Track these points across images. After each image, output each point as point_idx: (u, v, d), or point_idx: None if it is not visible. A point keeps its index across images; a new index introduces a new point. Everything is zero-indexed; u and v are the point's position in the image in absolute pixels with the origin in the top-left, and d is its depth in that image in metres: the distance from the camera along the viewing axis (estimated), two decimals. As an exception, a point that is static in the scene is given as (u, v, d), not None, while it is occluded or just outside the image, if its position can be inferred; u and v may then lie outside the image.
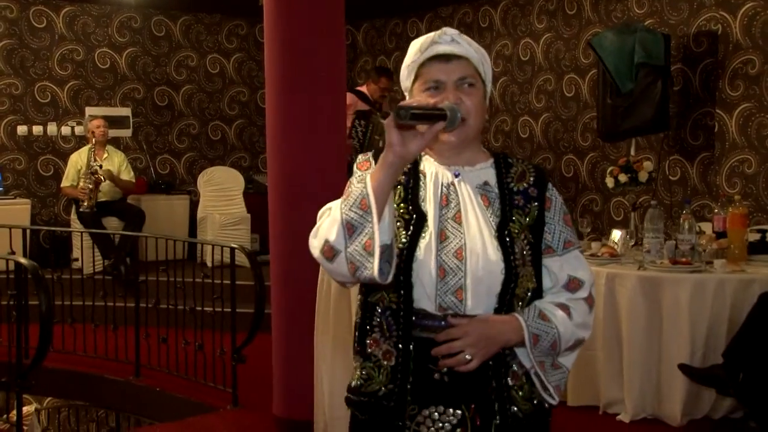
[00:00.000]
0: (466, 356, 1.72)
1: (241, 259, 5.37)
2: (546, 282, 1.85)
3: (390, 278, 1.69)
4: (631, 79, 6.00)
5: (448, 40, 1.83)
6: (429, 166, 1.87)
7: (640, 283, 4.26)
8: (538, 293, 1.83)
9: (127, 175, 7.75)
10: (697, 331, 4.16)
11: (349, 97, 7.08)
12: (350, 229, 1.68)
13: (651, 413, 4.31)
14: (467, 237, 1.77)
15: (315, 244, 1.74)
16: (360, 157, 1.90)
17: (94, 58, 8.61)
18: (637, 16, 6.77)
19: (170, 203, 8.54)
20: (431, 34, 1.85)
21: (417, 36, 1.90)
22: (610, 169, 6.07)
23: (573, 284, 1.85)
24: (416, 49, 1.85)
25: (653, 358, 4.28)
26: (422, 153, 1.84)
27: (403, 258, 1.75)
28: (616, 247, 4.77)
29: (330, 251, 1.70)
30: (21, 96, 8.28)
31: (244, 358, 4.89)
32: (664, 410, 4.27)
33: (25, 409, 5.16)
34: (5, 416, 5.26)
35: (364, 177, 1.71)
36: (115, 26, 8.70)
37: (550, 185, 1.88)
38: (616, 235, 4.94)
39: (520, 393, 1.82)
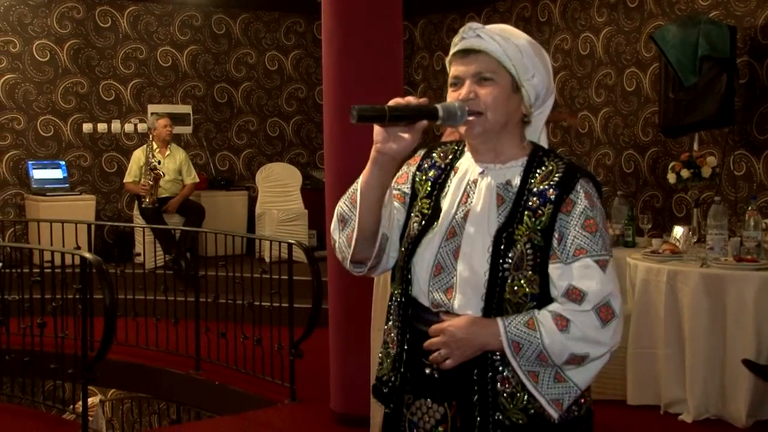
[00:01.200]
0: (440, 354, 1.74)
1: (299, 254, 5.41)
2: (552, 290, 1.73)
3: (365, 272, 1.83)
4: (694, 72, 5.86)
5: (471, 35, 1.78)
6: (464, 161, 1.86)
7: (703, 280, 4.17)
8: (543, 300, 1.73)
9: (189, 175, 7.86)
10: (763, 330, 4.06)
11: None
12: (342, 221, 1.79)
13: (714, 414, 4.23)
14: (465, 236, 1.77)
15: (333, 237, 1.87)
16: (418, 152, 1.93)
17: (157, 57, 8.77)
18: (701, 8, 6.61)
19: (229, 199, 8.65)
20: (461, 30, 1.83)
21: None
22: (672, 164, 5.93)
23: (573, 294, 1.70)
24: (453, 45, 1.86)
25: (717, 357, 4.18)
26: (465, 148, 1.86)
27: (408, 251, 1.81)
28: (677, 243, 4.68)
29: (332, 240, 1.85)
30: (87, 94, 8.48)
31: (301, 353, 4.93)
32: (728, 411, 4.18)
33: (90, 400, 5.28)
34: (71, 407, 5.39)
35: (409, 174, 1.84)
36: (176, 25, 8.84)
37: (578, 187, 1.74)
38: (678, 231, 4.84)
39: (512, 401, 1.73)
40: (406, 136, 1.68)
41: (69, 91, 8.40)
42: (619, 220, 5.36)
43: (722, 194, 6.13)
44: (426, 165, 1.88)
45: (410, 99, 1.70)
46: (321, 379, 4.82)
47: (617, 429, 4.32)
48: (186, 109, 8.88)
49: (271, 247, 6.86)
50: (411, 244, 1.80)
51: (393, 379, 1.84)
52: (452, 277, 1.75)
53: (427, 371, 1.79)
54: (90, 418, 4.73)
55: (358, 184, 1.74)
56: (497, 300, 1.72)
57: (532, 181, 1.78)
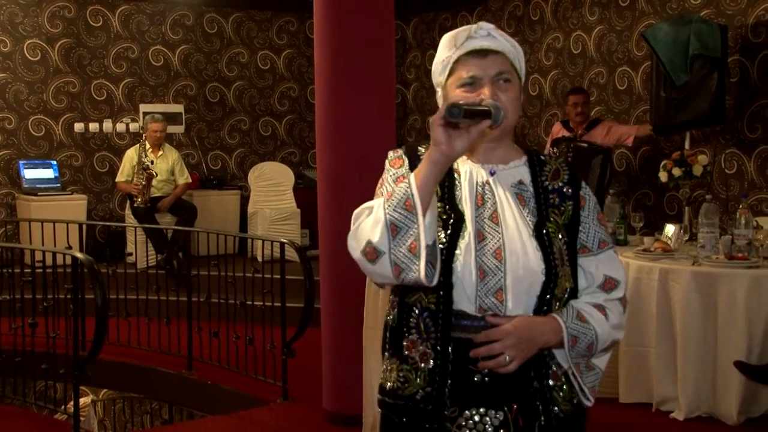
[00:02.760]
0: (506, 358, 1.70)
1: (291, 254, 5.41)
2: (581, 282, 1.82)
3: (435, 281, 1.66)
4: (685, 71, 5.87)
5: (484, 34, 1.79)
6: (462, 164, 1.82)
7: (695, 278, 4.19)
8: (574, 293, 1.80)
9: (182, 175, 7.85)
10: (754, 327, 4.07)
11: (555, 128, 6.99)
12: (394, 230, 1.64)
13: (706, 411, 4.24)
14: (506, 237, 1.74)
15: (354, 245, 1.70)
16: (391, 154, 1.87)
17: (148, 56, 8.75)
18: (692, 7, 6.62)
19: (221, 198, 8.64)
20: (466, 28, 1.81)
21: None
22: (663, 162, 5.94)
23: (609, 284, 1.82)
24: (450, 43, 1.82)
25: (708, 355, 4.19)
26: None
27: (443, 258, 1.70)
28: (669, 242, 4.69)
29: (373, 252, 1.65)
30: (78, 94, 8.45)
31: (294, 352, 4.92)
32: (719, 408, 4.19)
33: (82, 400, 5.27)
34: (63, 407, 5.38)
35: (407, 176, 1.68)
36: (168, 24, 8.82)
37: (583, 183, 1.85)
38: (670, 229, 4.85)
39: (561, 393, 1.79)
40: (468, 135, 1.64)
41: (60, 91, 8.37)
42: (611, 219, 5.36)
43: (713, 192, 6.15)
44: None
45: (470, 98, 1.70)
46: (313, 378, 4.82)
47: (609, 427, 4.32)
48: (178, 108, 8.86)
49: (263, 247, 6.86)
50: (445, 251, 1.72)
51: (435, 393, 1.74)
52: (499, 279, 1.71)
53: (476, 378, 1.73)
54: (82, 419, 4.73)
55: (410, 188, 1.63)
56: (549, 296, 1.75)
57: (543, 179, 1.83)
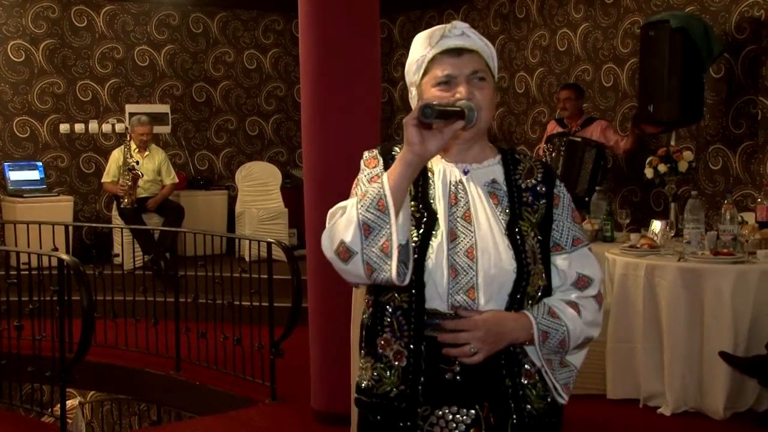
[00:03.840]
0: (471, 349, 1.70)
1: (279, 253, 5.40)
2: (555, 280, 1.83)
3: (407, 280, 1.68)
4: (707, 65, 5.93)
5: (458, 33, 1.79)
6: (436, 163, 1.83)
7: (681, 274, 4.20)
8: (547, 291, 1.81)
9: (169, 176, 7.83)
10: (739, 322, 4.10)
11: (549, 125, 6.99)
12: (367, 230, 1.65)
13: (693, 406, 4.26)
14: (478, 235, 1.75)
15: (328, 245, 1.71)
16: (366, 154, 1.87)
17: (134, 56, 8.72)
18: (677, 4, 6.65)
19: (209, 199, 8.62)
20: (440, 27, 1.81)
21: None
22: (649, 159, 5.97)
23: (582, 282, 1.82)
24: (425, 42, 1.82)
25: (695, 351, 4.22)
26: None
27: (415, 256, 1.71)
28: (655, 238, 4.71)
29: (345, 252, 1.67)
30: (63, 95, 8.41)
31: (282, 352, 4.92)
32: (706, 403, 4.21)
33: (69, 402, 5.24)
34: (50, 410, 5.35)
35: (381, 176, 1.69)
36: (153, 24, 8.79)
37: (557, 182, 1.85)
38: (656, 226, 4.88)
39: (534, 391, 1.79)
40: (442, 136, 1.64)
41: (45, 92, 8.33)
42: (597, 215, 5.39)
43: (699, 188, 6.18)
44: None
45: (443, 98, 1.70)
46: (302, 378, 4.82)
47: (597, 423, 4.34)
48: (164, 108, 8.83)
49: (250, 247, 6.84)
50: (417, 249, 1.72)
51: (408, 391, 1.75)
52: (471, 277, 1.72)
53: (448, 376, 1.74)
54: (69, 421, 4.70)
55: (383, 189, 1.64)
56: (521, 294, 1.75)
57: (516, 178, 1.84)
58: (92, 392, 6.22)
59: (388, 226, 1.64)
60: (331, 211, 1.75)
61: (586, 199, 5.91)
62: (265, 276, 5.08)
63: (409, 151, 1.64)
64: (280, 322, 4.91)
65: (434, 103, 1.61)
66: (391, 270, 1.63)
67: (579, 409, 4.39)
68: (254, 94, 9.33)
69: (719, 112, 6.40)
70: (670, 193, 6.17)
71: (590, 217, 5.42)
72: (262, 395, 4.98)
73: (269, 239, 5.31)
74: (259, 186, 8.59)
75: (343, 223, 1.68)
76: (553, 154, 6.61)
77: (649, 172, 5.94)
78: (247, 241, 7.06)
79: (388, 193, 1.64)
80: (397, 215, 1.64)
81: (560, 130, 6.73)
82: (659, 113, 5.92)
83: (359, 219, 1.65)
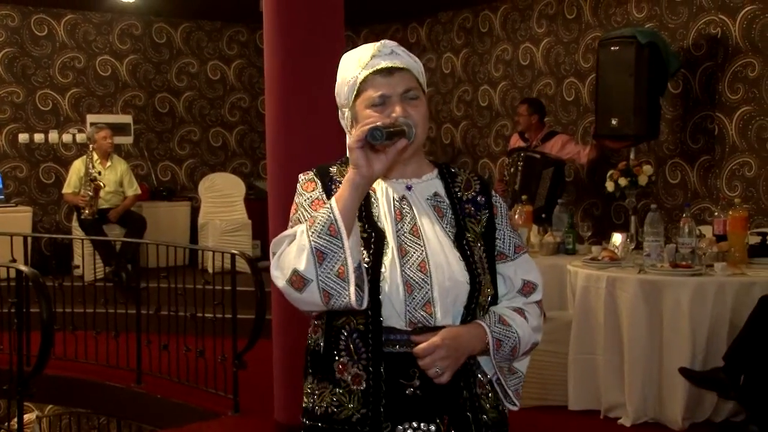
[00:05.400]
0: (437, 371, 1.70)
1: (242, 265, 5.37)
2: (501, 288, 1.86)
3: (365, 303, 1.67)
4: (670, 77, 6.05)
5: (387, 52, 1.80)
6: (377, 182, 1.81)
7: (641, 286, 4.26)
8: (495, 299, 1.84)
9: (131, 187, 7.75)
10: (698, 334, 4.16)
11: (512, 139, 7.01)
12: (321, 256, 1.63)
13: (652, 417, 4.31)
14: (428, 249, 1.76)
15: (278, 275, 1.69)
16: (302, 177, 1.86)
17: (95, 66, 8.63)
18: (636, 20, 6.77)
19: (171, 210, 8.56)
20: (369, 47, 1.82)
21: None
22: (610, 173, 6.06)
23: (527, 288, 1.86)
24: (354, 63, 1.81)
25: (654, 362, 4.27)
26: None
27: (369, 277, 1.70)
28: (616, 251, 4.77)
29: (300, 281, 1.65)
30: (22, 104, 8.30)
31: (245, 364, 4.89)
32: (665, 414, 4.27)
33: (26, 416, 5.16)
34: (6, 424, 5.26)
35: (322, 199, 1.70)
36: (116, 34, 8.72)
37: (493, 192, 1.90)
38: (617, 238, 4.94)
39: (488, 401, 1.82)
40: (386, 157, 1.66)
41: (4, 101, 8.21)
42: (559, 228, 5.45)
43: (658, 202, 6.28)
44: (335, 188, 1.78)
45: (385, 119, 1.70)
46: (265, 390, 4.79)
47: (559, 434, 4.38)
48: (126, 119, 8.75)
49: (214, 258, 6.81)
50: (371, 269, 1.71)
51: (371, 414, 1.73)
52: (427, 292, 1.73)
53: (408, 392, 1.74)
54: (27, 435, 4.63)
55: (332, 213, 1.64)
56: (474, 305, 1.77)
57: (456, 190, 1.86)
58: (50, 406, 6.11)
59: (341, 251, 1.63)
60: (275, 240, 1.73)
61: (543, 215, 5.98)
62: (229, 288, 5.05)
63: (356, 174, 1.65)
64: (244, 334, 4.88)
65: (379, 124, 1.62)
66: (350, 295, 1.63)
67: (540, 420, 4.42)
68: (218, 105, 9.29)
69: (677, 127, 6.52)
70: (630, 207, 6.27)
71: (552, 229, 5.48)
72: (224, 408, 4.94)
73: (233, 251, 5.28)
74: (222, 197, 8.55)
75: (293, 251, 1.66)
76: (512, 169, 6.67)
77: (609, 186, 6.03)
78: (211, 253, 7.02)
79: (338, 217, 1.64)
80: (349, 239, 1.64)
81: (521, 144, 6.80)
82: (623, 128, 6.00)
83: (312, 245, 1.64)
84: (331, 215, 1.64)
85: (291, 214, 1.83)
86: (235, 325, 4.95)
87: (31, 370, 4.45)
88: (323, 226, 1.64)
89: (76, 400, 5.91)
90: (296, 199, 1.84)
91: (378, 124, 1.63)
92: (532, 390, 4.38)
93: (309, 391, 1.83)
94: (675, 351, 4.18)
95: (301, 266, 1.64)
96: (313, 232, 1.65)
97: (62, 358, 5.71)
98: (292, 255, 1.66)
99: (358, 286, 1.65)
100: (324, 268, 1.64)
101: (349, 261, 1.63)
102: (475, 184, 1.88)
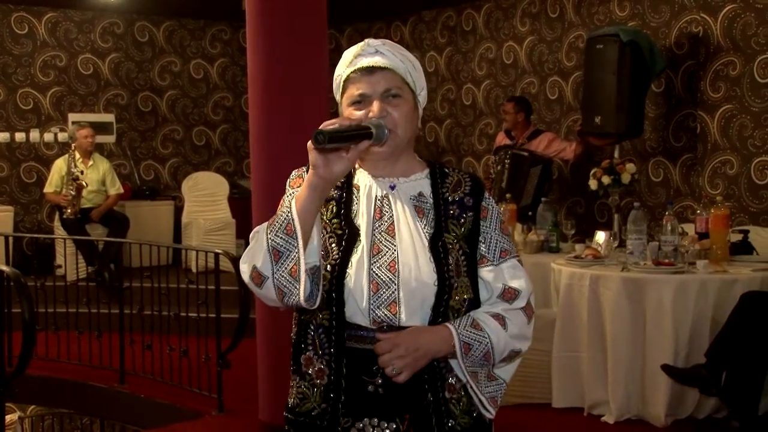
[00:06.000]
0: (394, 370, 1.69)
1: (226, 264, 5.35)
2: (482, 293, 1.82)
3: (317, 303, 1.69)
4: (653, 78, 6.06)
5: (371, 51, 1.80)
6: (363, 179, 1.83)
7: (624, 284, 4.28)
8: (474, 304, 1.80)
9: (113, 186, 7.70)
10: (680, 331, 4.19)
11: (498, 137, 7.00)
12: (276, 254, 1.66)
13: (635, 414, 4.33)
14: (399, 250, 1.75)
15: (244, 269, 1.72)
16: (293, 173, 1.87)
17: (77, 65, 8.58)
18: (619, 19, 6.81)
19: (155, 209, 8.51)
20: (356, 46, 1.83)
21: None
22: (593, 171, 6.09)
23: (509, 294, 1.81)
24: (342, 62, 1.83)
25: (637, 359, 4.30)
26: (356, 166, 1.83)
27: (335, 274, 1.72)
28: (599, 248, 4.79)
29: (258, 277, 1.69)
30: (3, 103, 8.24)
31: (229, 363, 4.87)
32: (648, 411, 4.29)
33: (8, 417, 5.12)
34: (-11, 425, 5.22)
35: (291, 201, 1.69)
36: (97, 32, 8.67)
37: (486, 194, 1.87)
38: (600, 236, 4.96)
39: (458, 406, 1.78)
40: (347, 157, 1.64)
41: (-15, 100, 8.15)
42: (543, 226, 5.47)
43: (641, 200, 6.32)
44: None
45: (345, 120, 1.69)
46: (249, 389, 4.78)
47: (542, 431, 4.39)
48: (109, 117, 8.71)
49: (197, 257, 6.77)
50: (338, 266, 1.73)
51: (330, 409, 1.75)
52: (393, 292, 1.72)
53: (370, 389, 1.74)
54: (9, 436, 4.59)
55: (290, 213, 1.65)
56: (443, 308, 1.74)
57: (444, 191, 1.84)
58: (32, 406, 6.08)
59: (296, 251, 1.65)
60: (251, 233, 1.76)
61: (530, 213, 5.99)
62: (212, 287, 5.04)
63: (314, 174, 1.64)
64: (227, 334, 4.87)
65: (329, 128, 1.60)
66: (299, 293, 1.65)
67: (524, 418, 4.44)
68: (201, 103, 9.25)
69: (660, 126, 6.56)
70: (613, 205, 6.30)
71: (536, 228, 5.50)
72: (208, 407, 4.92)
73: (216, 250, 5.27)
74: (206, 196, 8.52)
75: (255, 247, 1.70)
76: (499, 167, 6.69)
77: (593, 184, 6.06)
78: (194, 252, 6.99)
79: (295, 217, 1.65)
80: (305, 239, 1.65)
81: (508, 142, 6.82)
82: (606, 126, 6.03)
83: (269, 244, 1.67)
84: (289, 215, 1.66)
85: (278, 208, 1.82)
86: (219, 325, 4.94)
87: (13, 371, 4.42)
88: (281, 225, 1.67)
89: (59, 400, 5.87)
90: (284, 196, 1.85)
91: (332, 126, 1.61)
92: (515, 388, 4.39)
93: (291, 382, 1.86)
94: (658, 348, 4.21)
95: (259, 263, 1.68)
96: (271, 231, 1.68)
97: (44, 358, 5.67)
98: (253, 251, 1.70)
99: (316, 285, 1.68)
100: (279, 266, 1.67)
101: (302, 260, 1.64)
102: (465, 185, 1.85)
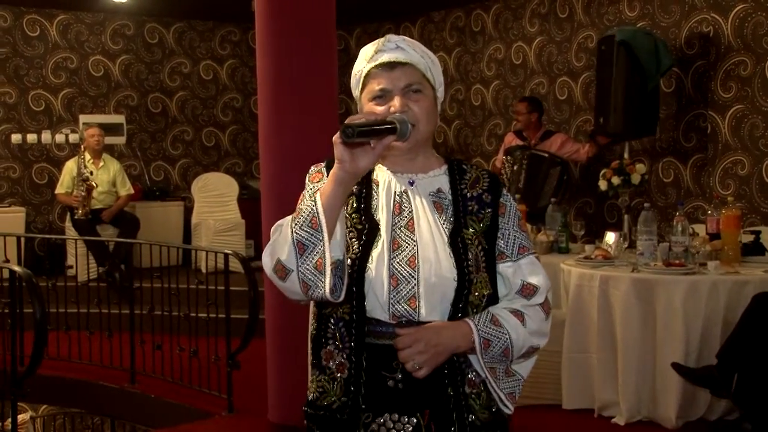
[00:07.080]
0: (414, 365, 1.70)
1: (236, 265, 5.37)
2: (501, 288, 1.83)
3: (342, 296, 1.69)
4: (654, 79, 6.02)
5: (392, 47, 1.81)
6: (382, 174, 1.85)
7: (634, 285, 4.27)
8: (493, 299, 1.81)
9: (124, 186, 7.73)
10: (691, 333, 4.17)
11: (507, 137, 6.98)
12: (301, 248, 1.67)
13: (646, 416, 4.32)
14: (419, 245, 1.75)
15: (268, 262, 1.72)
16: (312, 168, 1.88)
17: (88, 66, 8.62)
18: (628, 19, 6.79)
19: (165, 210, 8.54)
20: (376, 42, 1.83)
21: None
22: (603, 171, 6.08)
23: (527, 290, 1.82)
24: (362, 58, 1.84)
25: (648, 361, 4.28)
26: None
27: (356, 268, 1.73)
28: (609, 249, 4.78)
29: (282, 270, 1.69)
30: (15, 104, 8.28)
31: (238, 364, 4.88)
32: (659, 413, 4.28)
33: (20, 416, 5.15)
34: (0, 424, 5.25)
35: (315, 195, 1.69)
36: (108, 34, 8.70)
37: (504, 190, 1.88)
38: (610, 237, 4.95)
39: (478, 401, 1.79)
40: (373, 152, 1.65)
41: (-4, 101, 8.20)
42: (552, 227, 5.46)
43: (651, 200, 6.30)
44: None
45: (371, 114, 1.70)
46: (258, 390, 4.79)
47: (553, 432, 4.39)
48: (119, 119, 8.74)
49: (207, 258, 6.79)
50: (358, 260, 1.73)
51: (350, 402, 1.76)
52: (413, 287, 1.73)
53: (390, 384, 1.74)
54: (20, 436, 4.62)
55: (315, 207, 1.66)
56: (463, 303, 1.75)
57: (462, 187, 1.85)
58: (44, 406, 6.11)
59: (321, 244, 1.65)
60: (273, 227, 1.76)
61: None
62: (222, 287, 5.05)
63: (339, 168, 1.65)
64: (237, 334, 4.88)
65: (356, 122, 1.61)
66: (325, 287, 1.65)
67: (534, 419, 4.43)
68: (211, 104, 9.28)
69: (670, 126, 6.54)
70: (623, 205, 6.28)
71: (546, 228, 5.49)
72: (218, 408, 4.93)
73: (226, 250, 5.28)
74: (215, 197, 8.54)
75: (279, 241, 1.70)
76: (515, 167, 6.65)
77: (602, 185, 6.04)
78: (204, 253, 7.00)
79: (320, 211, 1.66)
80: (329, 233, 1.66)
81: (519, 142, 6.79)
82: (608, 126, 6.03)
83: (293, 237, 1.67)
84: (314, 208, 1.66)
85: (298, 203, 1.83)
86: (228, 325, 4.95)
87: (24, 370, 4.44)
88: (306, 219, 1.67)
89: (70, 400, 5.90)
90: (304, 190, 1.86)
91: (359, 120, 1.62)
92: (525, 389, 4.35)
93: (310, 377, 1.86)
94: (668, 350, 4.19)
95: (284, 256, 1.68)
96: (296, 224, 1.68)
97: (56, 358, 5.70)
98: (278, 245, 1.70)
99: (340, 278, 1.68)
100: (304, 260, 1.67)
101: (327, 254, 1.65)
102: (483, 181, 1.86)
